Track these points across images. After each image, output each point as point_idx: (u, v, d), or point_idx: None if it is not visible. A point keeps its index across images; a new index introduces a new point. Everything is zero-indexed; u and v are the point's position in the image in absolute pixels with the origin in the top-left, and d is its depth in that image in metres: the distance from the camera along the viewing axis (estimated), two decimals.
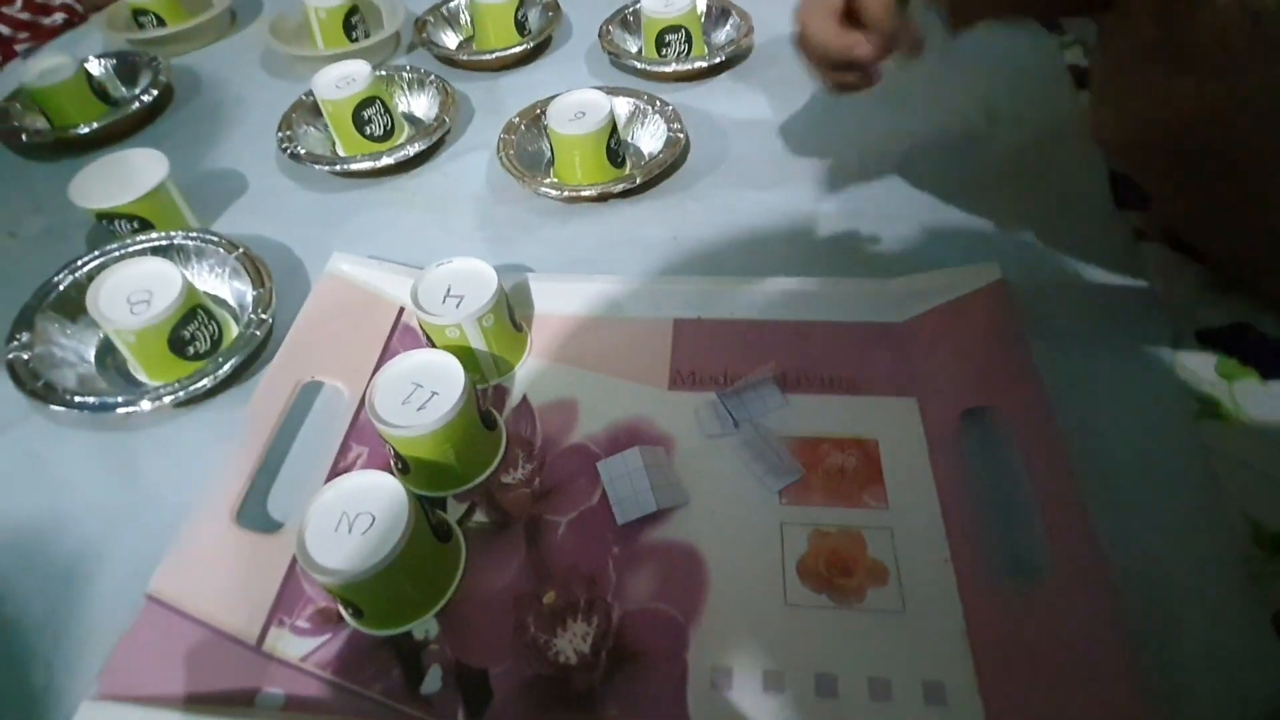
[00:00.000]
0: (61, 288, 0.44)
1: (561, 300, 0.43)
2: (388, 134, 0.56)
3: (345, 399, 0.39)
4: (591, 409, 0.38)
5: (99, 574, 0.34)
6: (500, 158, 0.52)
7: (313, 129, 0.57)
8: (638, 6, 0.61)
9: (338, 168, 0.53)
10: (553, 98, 0.51)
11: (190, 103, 0.62)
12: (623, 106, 0.54)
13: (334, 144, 0.56)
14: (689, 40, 0.60)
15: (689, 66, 0.59)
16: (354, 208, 0.52)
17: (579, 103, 0.50)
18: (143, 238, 0.46)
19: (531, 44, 0.63)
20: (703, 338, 0.41)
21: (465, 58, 0.62)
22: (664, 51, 0.60)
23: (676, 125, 0.53)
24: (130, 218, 0.47)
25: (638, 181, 0.49)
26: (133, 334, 0.39)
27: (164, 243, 0.46)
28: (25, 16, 0.79)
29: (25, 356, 0.40)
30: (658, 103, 0.54)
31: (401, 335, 0.42)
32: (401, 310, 0.43)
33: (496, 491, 0.35)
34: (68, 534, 0.35)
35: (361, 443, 0.37)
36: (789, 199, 0.49)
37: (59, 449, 0.39)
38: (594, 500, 0.35)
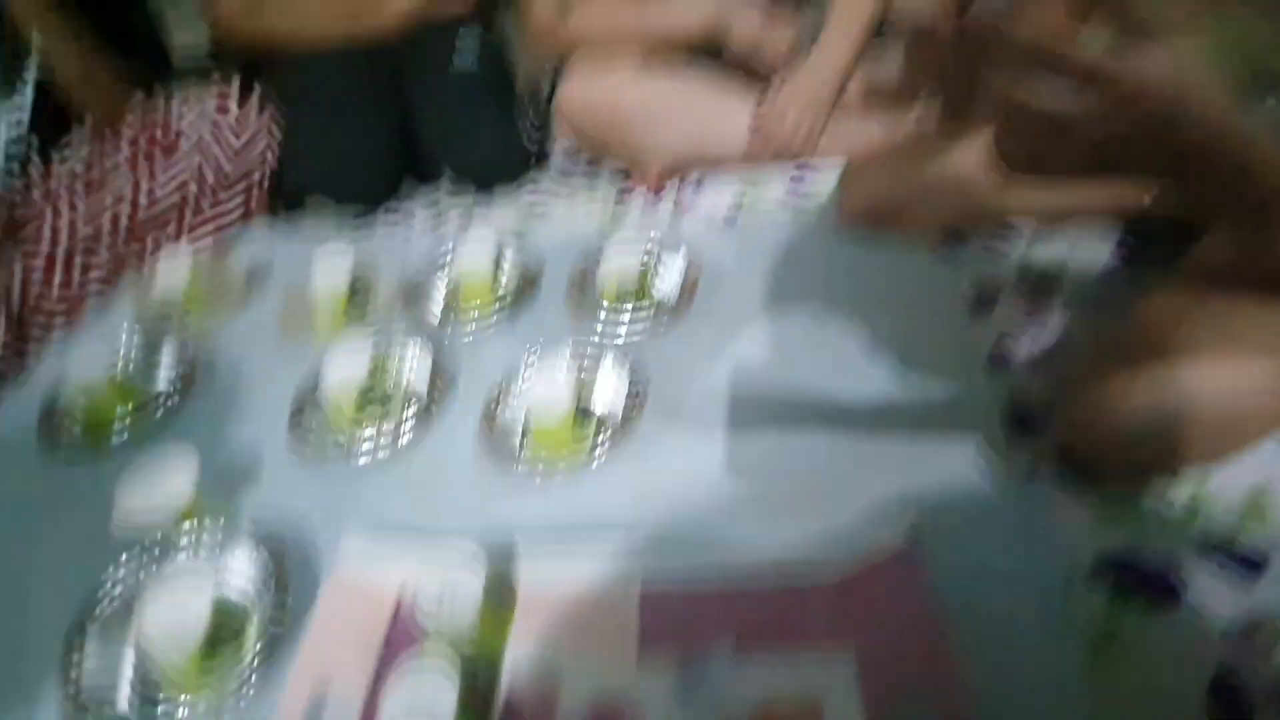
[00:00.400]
0: (102, 612, 0.50)
1: (541, 576, 0.49)
2: (384, 401, 0.65)
3: (353, 699, 0.45)
4: (570, 689, 0.44)
5: None
6: (483, 431, 0.60)
7: (321, 408, 0.65)
8: (598, 264, 0.71)
9: (342, 451, 0.61)
10: (527, 367, 0.61)
11: (209, 387, 0.71)
12: (588, 364, 0.63)
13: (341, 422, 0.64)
14: (643, 291, 0.70)
15: (642, 317, 0.68)
16: (359, 481, 0.60)
17: (546, 386, 0.58)
18: (171, 542, 0.54)
19: (509, 303, 0.73)
20: (665, 609, 0.46)
21: (450, 327, 0.72)
22: (621, 302, 0.70)
23: (635, 379, 0.61)
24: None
25: (603, 453, 0.57)
26: (173, 661, 0.45)
27: (191, 550, 0.53)
28: (58, 290, 0.90)
29: (78, 685, 0.46)
30: (616, 353, 0.63)
31: (400, 625, 0.48)
32: (399, 600, 0.49)
33: None
34: None
35: None
36: (735, 449, 0.56)
37: None
38: None
